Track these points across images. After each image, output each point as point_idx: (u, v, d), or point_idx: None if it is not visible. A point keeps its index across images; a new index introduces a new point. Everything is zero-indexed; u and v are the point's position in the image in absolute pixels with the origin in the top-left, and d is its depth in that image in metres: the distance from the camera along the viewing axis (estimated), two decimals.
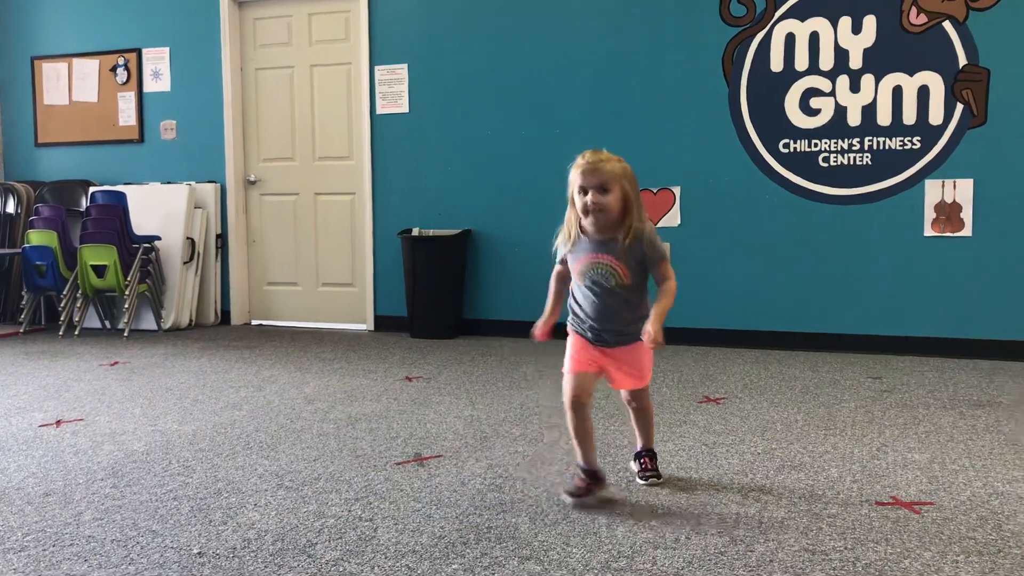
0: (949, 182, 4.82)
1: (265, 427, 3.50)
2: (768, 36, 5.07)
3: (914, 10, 4.81)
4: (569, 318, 2.73)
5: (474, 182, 5.69)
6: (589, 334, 2.66)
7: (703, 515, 2.50)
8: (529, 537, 2.35)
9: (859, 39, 4.92)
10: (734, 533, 2.37)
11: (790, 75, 5.06)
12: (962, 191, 4.80)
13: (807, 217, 5.08)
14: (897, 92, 4.88)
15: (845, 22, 4.92)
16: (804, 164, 5.07)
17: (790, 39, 5.04)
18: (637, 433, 2.87)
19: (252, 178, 6.28)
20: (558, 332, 2.77)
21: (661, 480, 2.79)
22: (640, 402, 2.81)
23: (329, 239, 6.11)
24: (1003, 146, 4.71)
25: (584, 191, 2.55)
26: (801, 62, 5.03)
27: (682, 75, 5.25)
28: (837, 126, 4.99)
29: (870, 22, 4.88)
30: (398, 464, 3.00)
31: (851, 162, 4.99)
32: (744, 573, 2.12)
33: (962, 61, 4.76)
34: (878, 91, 4.90)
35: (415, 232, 5.71)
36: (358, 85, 5.91)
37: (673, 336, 5.41)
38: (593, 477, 2.62)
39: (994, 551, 2.23)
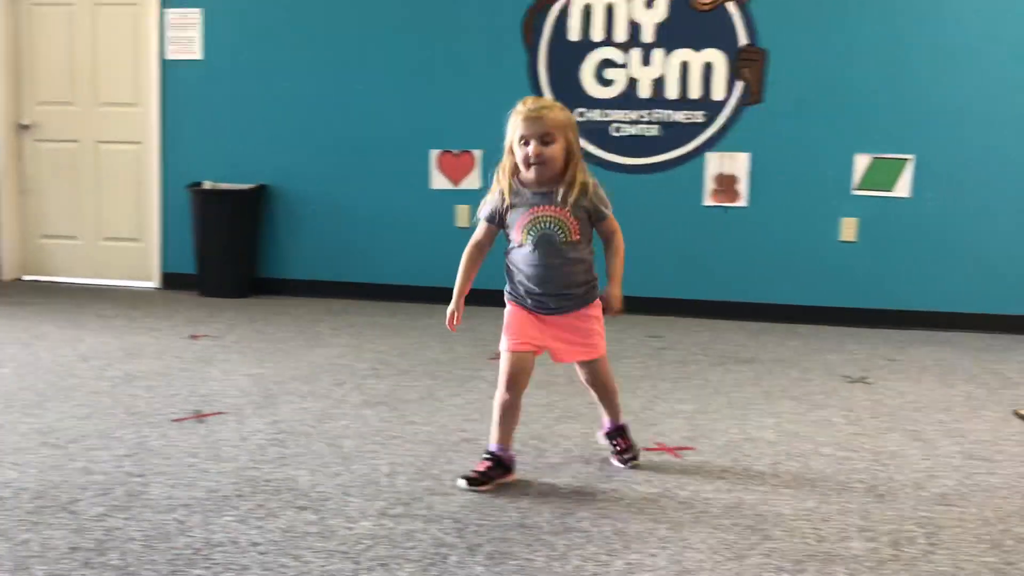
0: (728, 155, 5.14)
1: (31, 384, 3.28)
2: (567, 6, 5.19)
3: None
4: (506, 287, 2.51)
5: (270, 135, 5.52)
6: (529, 301, 2.45)
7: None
8: (307, 488, 2.35)
9: (652, 13, 5.12)
10: (510, 481, 2.45)
11: (586, 45, 5.21)
12: (739, 164, 5.14)
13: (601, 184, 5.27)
14: (684, 67, 5.13)
15: None
16: (597, 133, 5.25)
17: (587, 10, 5.18)
18: (602, 409, 2.65)
19: (25, 122, 5.80)
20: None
21: (639, 460, 2.59)
22: (596, 376, 2.56)
23: (112, 190, 5.75)
24: (777, 123, 5.07)
25: (525, 141, 2.35)
26: (597, 33, 5.19)
27: (483, 38, 5.30)
28: (629, 98, 5.20)
29: None
30: (175, 421, 2.90)
31: (641, 133, 5.21)
32: (515, 513, 2.21)
33: (743, 41, 5.06)
34: (667, 65, 5.14)
35: (206, 186, 5.48)
36: (146, 28, 5.57)
37: (472, 298, 5.50)
38: (501, 465, 2.42)
39: (740, 488, 2.44)
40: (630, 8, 5.14)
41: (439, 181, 5.42)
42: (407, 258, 5.47)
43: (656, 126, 5.20)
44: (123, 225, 5.77)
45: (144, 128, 5.65)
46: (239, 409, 3.06)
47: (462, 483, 2.39)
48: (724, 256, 5.18)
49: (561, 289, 2.43)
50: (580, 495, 2.36)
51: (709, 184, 5.17)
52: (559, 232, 2.39)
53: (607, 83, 5.21)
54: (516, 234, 2.43)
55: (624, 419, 2.66)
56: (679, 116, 5.17)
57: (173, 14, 5.52)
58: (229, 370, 3.61)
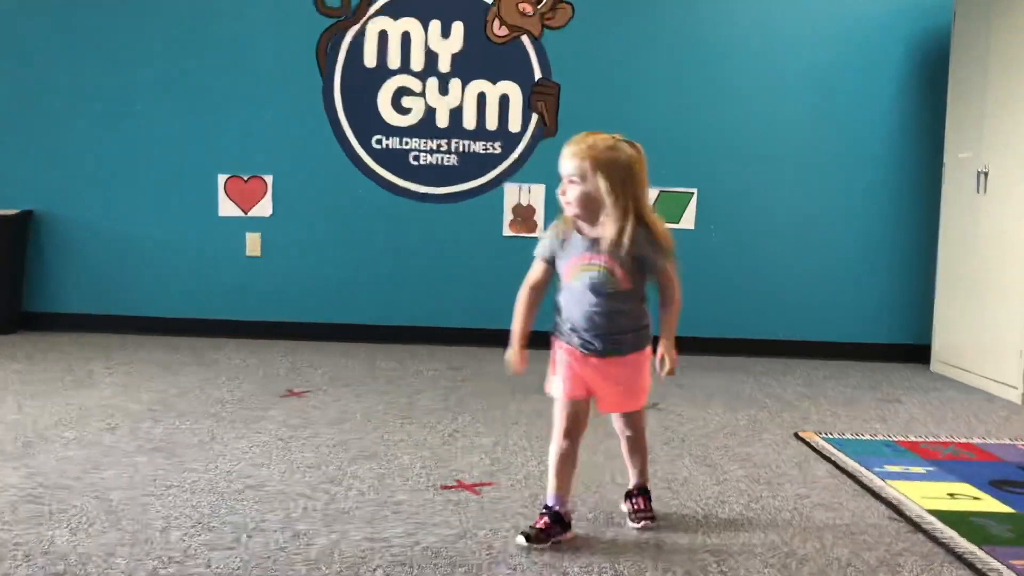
0: (525, 186, 5.19)
1: None
2: (362, 31, 5.10)
3: (497, 22, 5.11)
4: (554, 323, 2.37)
5: (37, 157, 5.06)
6: (576, 340, 2.31)
7: (268, 512, 2.40)
8: (66, 550, 2.09)
9: (448, 43, 5.12)
10: (296, 528, 2.30)
11: (383, 72, 5.13)
12: (536, 195, 5.20)
13: (398, 213, 5.18)
14: (481, 98, 5.16)
15: (435, 25, 5.10)
16: (396, 161, 5.17)
17: (383, 36, 5.11)
18: (629, 467, 2.50)
19: None
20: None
21: (655, 523, 2.41)
22: (634, 428, 2.44)
23: None
24: None
25: (560, 178, 2.26)
26: (393, 60, 5.12)
27: (274, 62, 5.10)
28: (427, 126, 5.16)
29: (458, 28, 5.11)
30: None
31: (439, 162, 5.18)
32: (302, 567, 2.06)
33: (537, 75, 5.15)
34: (464, 96, 5.15)
35: None
36: None
37: (266, 330, 5.27)
38: (560, 521, 2.26)
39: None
40: (427, 37, 5.11)
41: (228, 208, 5.15)
42: (193, 289, 5.15)
43: (454, 155, 5.18)
44: None
45: None
46: None
47: (521, 540, 2.22)
48: (519, 284, 5.19)
49: (610, 333, 2.29)
50: (373, 541, 2.23)
51: (508, 214, 5.20)
52: (607, 283, 2.26)
53: (405, 111, 5.15)
54: (564, 276, 2.32)
55: (649, 486, 2.51)
56: (477, 147, 5.18)
57: None
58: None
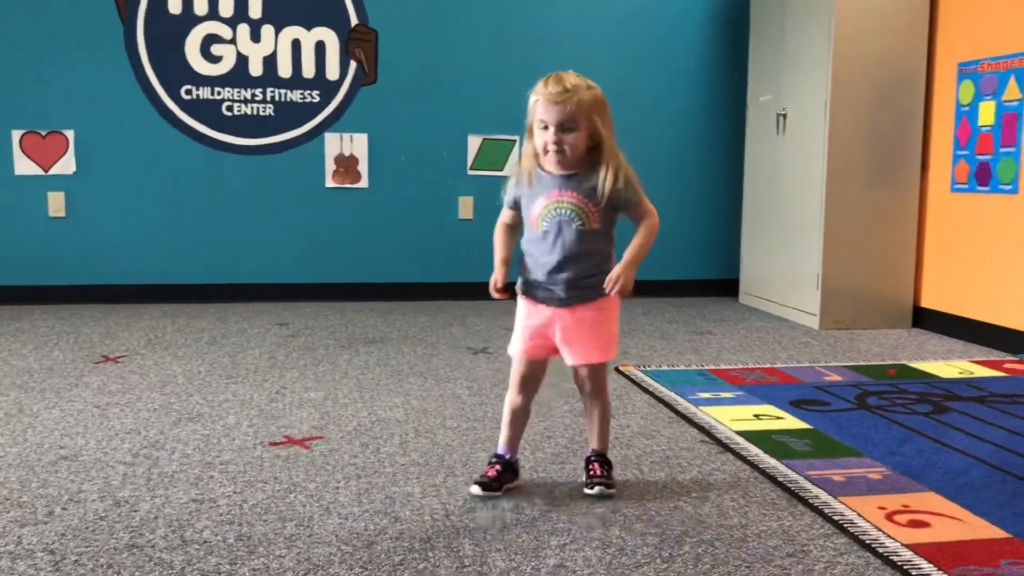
0: (347, 136, 5.10)
1: None
2: None
3: None
4: (519, 279, 2.27)
5: None
6: (539, 292, 2.23)
7: (85, 482, 2.30)
8: None
9: None
10: (118, 495, 2.21)
11: (189, 19, 4.88)
12: (359, 145, 5.12)
13: (214, 167, 4.99)
14: (296, 45, 5.00)
15: None
16: (208, 112, 4.96)
17: None
18: (589, 430, 2.37)
19: None
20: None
21: (613, 491, 2.26)
22: (596, 383, 2.29)
23: None
24: (392, 104, 5.12)
25: (544, 126, 2.13)
26: (200, 6, 4.88)
27: (69, 8, 4.75)
28: (239, 75, 4.96)
29: None
30: None
31: (255, 112, 5.00)
32: (124, 535, 1.99)
33: (354, 21, 5.04)
34: (278, 43, 4.98)
35: None
36: None
37: (76, 295, 4.96)
38: (510, 469, 2.29)
39: (371, 472, 2.41)
40: None
41: (25, 166, 4.80)
42: None
43: (271, 105, 5.02)
44: None
45: None
46: None
47: (476, 489, 2.24)
48: (349, 238, 5.15)
49: (573, 275, 2.20)
50: (199, 502, 2.18)
51: (330, 165, 5.10)
52: (576, 219, 2.18)
53: (215, 60, 4.93)
54: (530, 221, 2.23)
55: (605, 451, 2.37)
56: (294, 95, 5.03)
57: None
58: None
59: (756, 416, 2.93)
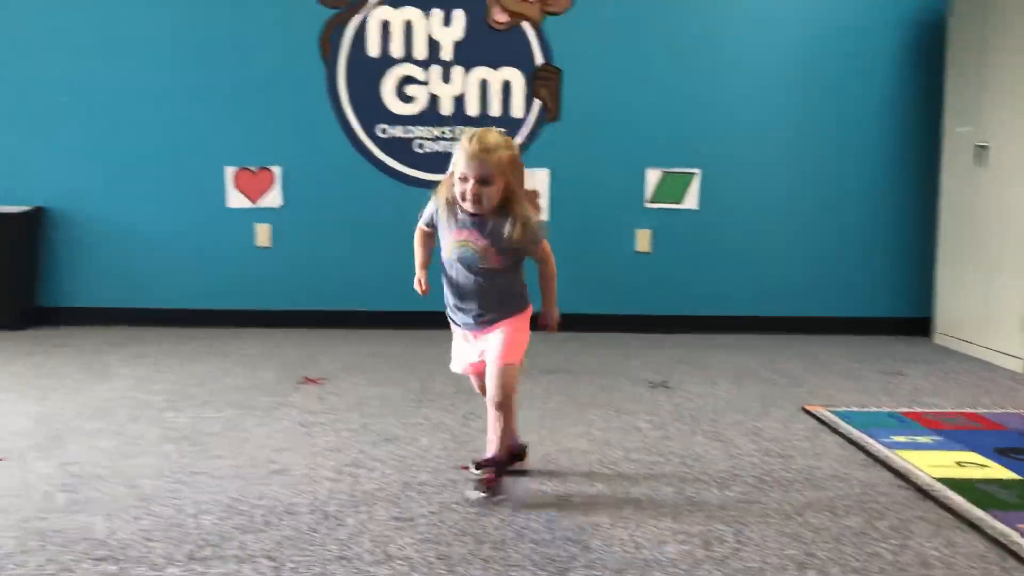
0: (528, 171, 5.23)
1: None
2: (365, 21, 5.14)
3: (498, 8, 5.15)
4: (446, 306, 2.59)
5: (48, 154, 5.11)
6: (457, 317, 2.55)
7: (297, 495, 2.48)
8: (104, 536, 2.17)
9: (450, 31, 5.16)
10: (326, 510, 2.37)
11: (386, 61, 5.17)
12: (540, 179, 5.26)
13: (404, 201, 5.22)
14: (484, 85, 5.20)
15: (437, 14, 5.14)
16: (400, 149, 5.22)
17: (386, 26, 5.15)
18: (491, 433, 2.52)
19: None
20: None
21: (492, 499, 2.44)
22: (503, 388, 2.44)
23: None
24: (573, 140, 5.23)
25: (464, 178, 2.38)
26: (396, 49, 5.17)
27: (279, 53, 5.14)
28: (430, 114, 5.21)
29: (460, 16, 5.15)
30: None
31: (444, 149, 5.23)
32: (334, 547, 2.13)
33: (539, 60, 5.19)
34: (467, 83, 5.19)
35: None
36: None
37: (279, 319, 5.34)
38: (502, 463, 2.53)
39: (559, 501, 2.47)
40: (428, 25, 5.15)
41: (236, 199, 5.20)
42: (203, 281, 5.21)
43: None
44: None
45: None
46: (21, 453, 2.79)
47: (475, 495, 2.45)
48: (526, 269, 5.26)
49: (483, 307, 2.49)
50: (400, 520, 2.31)
51: None
52: (479, 260, 2.45)
53: (408, 99, 5.19)
54: (444, 250, 2.52)
55: (499, 460, 2.52)
56: None
57: None
58: (6, 411, 3.28)
59: (958, 463, 2.80)
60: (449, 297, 2.54)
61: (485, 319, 2.50)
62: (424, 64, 5.18)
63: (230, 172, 5.19)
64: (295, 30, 5.13)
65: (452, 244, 2.48)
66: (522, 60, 5.19)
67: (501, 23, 5.17)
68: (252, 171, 5.20)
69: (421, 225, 2.64)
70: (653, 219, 5.27)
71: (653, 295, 5.30)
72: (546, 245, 2.53)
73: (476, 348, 2.55)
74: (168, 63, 5.11)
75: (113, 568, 2.00)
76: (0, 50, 5.07)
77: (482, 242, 2.44)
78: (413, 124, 5.21)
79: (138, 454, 2.81)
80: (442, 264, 2.54)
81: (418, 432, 3.12)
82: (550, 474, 2.69)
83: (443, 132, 5.23)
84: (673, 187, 5.26)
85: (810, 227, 5.28)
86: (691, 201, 5.26)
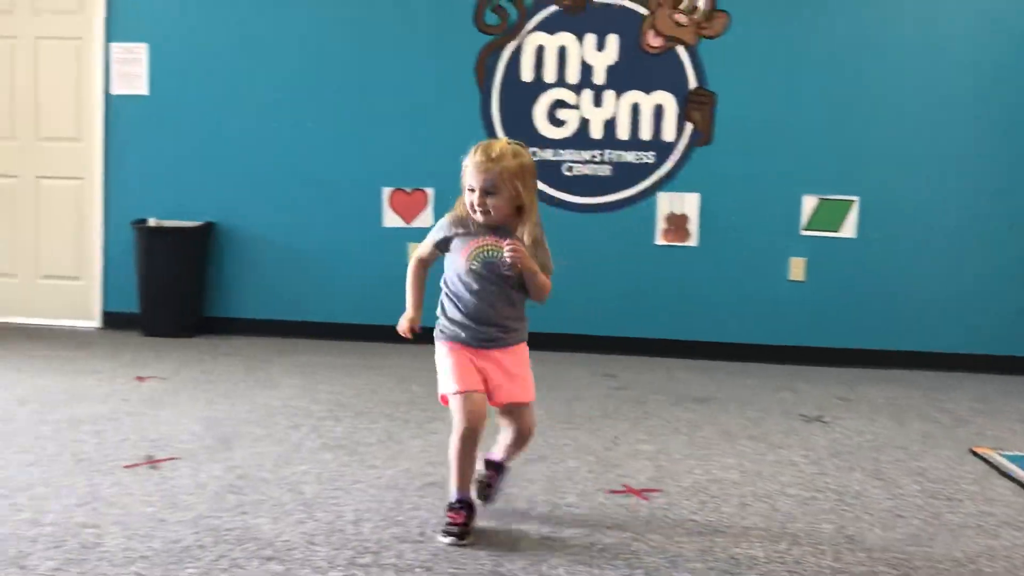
0: (678, 195, 5.20)
1: None
2: (519, 47, 5.23)
3: (652, 33, 5.15)
4: (438, 324, 2.47)
5: (217, 172, 5.42)
6: (464, 334, 2.40)
7: (441, 508, 2.52)
8: (271, 537, 2.27)
9: (603, 56, 5.19)
10: (477, 524, 2.40)
11: (539, 86, 5.25)
12: (690, 204, 5.20)
13: (552, 223, 5.25)
14: (635, 109, 5.20)
15: (591, 39, 5.18)
16: (550, 173, 5.28)
17: (540, 51, 5.23)
18: (502, 446, 2.55)
19: None
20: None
21: (491, 502, 2.52)
22: (522, 422, 2.46)
23: (52, 227, 5.57)
24: (725, 164, 5.15)
25: (472, 189, 2.35)
26: (549, 74, 5.24)
27: (436, 78, 5.30)
28: (581, 138, 5.24)
29: (613, 41, 5.17)
30: (127, 467, 2.79)
31: (593, 172, 5.25)
32: (488, 562, 2.16)
33: (692, 84, 5.15)
34: (618, 107, 5.20)
35: (151, 223, 5.35)
36: (90, 62, 5.45)
37: (427, 336, 5.44)
38: (470, 509, 2.38)
39: (712, 531, 2.42)
40: (582, 50, 5.20)
41: (391, 219, 5.38)
42: (359, 296, 5.40)
43: (608, 166, 5.24)
44: (62, 263, 5.60)
45: (86, 163, 5.50)
46: (193, 454, 2.96)
47: (447, 540, 2.29)
48: (676, 295, 5.22)
49: (497, 320, 2.40)
50: (551, 540, 2.32)
51: (660, 223, 5.22)
52: (503, 265, 2.35)
53: (559, 123, 5.25)
54: (461, 260, 2.39)
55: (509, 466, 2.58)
56: (630, 156, 5.22)
57: (118, 49, 5.41)
58: (179, 413, 3.49)
59: None
60: (455, 313, 2.41)
61: (498, 335, 2.41)
62: (576, 88, 5.22)
63: (386, 193, 5.37)
64: (452, 57, 5.27)
65: (471, 253, 2.37)
66: (675, 84, 5.16)
67: (655, 47, 5.16)
68: (407, 192, 5.37)
69: (422, 253, 2.51)
70: (808, 247, 5.12)
71: (806, 326, 5.14)
72: (550, 263, 2.47)
73: (485, 370, 2.40)
74: (331, 89, 5.34)
75: (279, 568, 2.09)
76: (182, 79, 5.43)
77: (507, 241, 2.33)
78: (563, 148, 5.26)
79: (299, 461, 2.94)
80: (446, 285, 2.44)
81: (564, 454, 3.13)
82: (701, 504, 2.65)
83: (592, 156, 5.25)
84: (830, 214, 5.10)
85: (979, 259, 5.01)
86: (849, 229, 5.09)
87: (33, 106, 5.57)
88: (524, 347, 2.47)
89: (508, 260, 2.31)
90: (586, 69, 5.20)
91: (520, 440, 2.51)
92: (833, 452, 3.25)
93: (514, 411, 2.45)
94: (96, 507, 2.43)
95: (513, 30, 5.23)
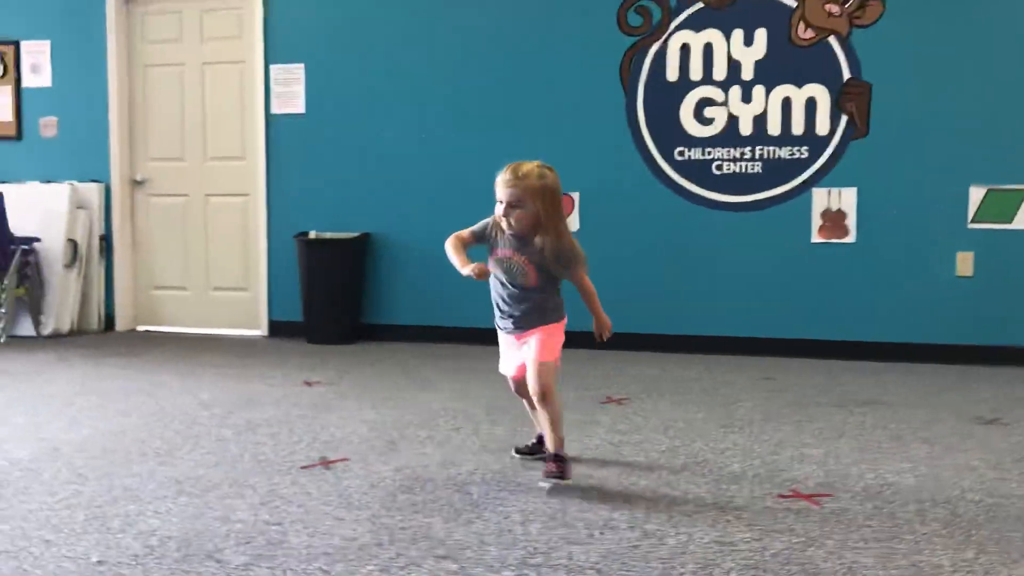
0: (835, 190, 5.03)
1: (160, 433, 3.36)
2: (664, 46, 5.19)
3: (802, 25, 5.01)
4: (494, 314, 2.90)
5: (373, 185, 5.62)
6: (504, 323, 2.86)
7: (615, 510, 2.53)
8: (443, 536, 2.33)
9: (751, 51, 5.08)
10: (645, 527, 2.40)
11: (685, 85, 5.19)
12: (847, 199, 5.02)
13: (701, 223, 5.21)
14: (786, 103, 5.07)
15: (738, 34, 5.09)
16: (698, 171, 5.21)
17: (685, 50, 5.17)
18: (540, 426, 2.94)
19: (139, 178, 6.04)
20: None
21: (563, 482, 2.71)
22: (540, 385, 2.74)
23: (220, 242, 5.93)
24: (883, 156, 4.95)
25: (500, 201, 2.73)
26: (695, 72, 5.17)
27: (580, 82, 5.32)
28: (730, 135, 5.15)
29: (761, 35, 5.06)
30: (303, 468, 2.93)
31: (743, 170, 5.15)
32: (657, 565, 2.15)
33: (846, 75, 4.98)
34: (768, 102, 5.08)
35: (311, 235, 5.60)
36: (252, 84, 5.76)
37: (574, 340, 5.46)
38: (564, 457, 2.78)
39: (890, 537, 2.33)
40: (729, 46, 5.11)
41: None
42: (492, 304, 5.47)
43: (759, 163, 5.13)
44: (231, 275, 5.93)
45: (251, 180, 5.82)
46: (363, 455, 3.07)
47: (547, 484, 2.71)
48: (835, 294, 5.05)
49: (516, 314, 2.81)
50: (721, 544, 2.28)
51: (816, 220, 5.06)
52: (520, 276, 2.77)
53: (707, 122, 5.17)
54: (491, 264, 2.82)
55: (558, 449, 2.78)
56: (782, 152, 5.09)
57: (277, 70, 5.70)
58: (347, 416, 3.64)
59: None
60: (497, 305, 2.85)
61: (523, 326, 2.80)
62: (723, 85, 5.14)
63: None
64: (596, 58, 5.28)
65: (499, 260, 2.80)
66: (828, 76, 5.00)
67: (806, 39, 5.02)
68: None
69: (460, 233, 2.87)
70: (976, 240, 4.86)
71: (975, 323, 4.88)
72: (583, 275, 2.83)
73: (520, 354, 2.85)
74: (477, 97, 5.45)
75: (453, 567, 2.14)
76: (336, 97, 5.65)
77: (521, 258, 2.75)
78: (712, 146, 5.18)
79: (463, 462, 3.00)
80: (491, 280, 2.83)
81: (727, 457, 3.08)
82: (876, 509, 2.55)
83: (743, 153, 5.15)
84: (1000, 205, 4.82)
85: None
86: (1022, 220, 4.80)
87: (201, 128, 5.93)
88: (545, 327, 2.81)
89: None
90: (733, 65, 5.12)
91: (537, 400, 2.81)
92: (1016, 457, 3.07)
93: (529, 377, 2.81)
94: (278, 505, 2.56)
95: (657, 30, 5.19)
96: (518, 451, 3.03)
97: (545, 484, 2.72)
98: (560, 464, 2.74)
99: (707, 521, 2.45)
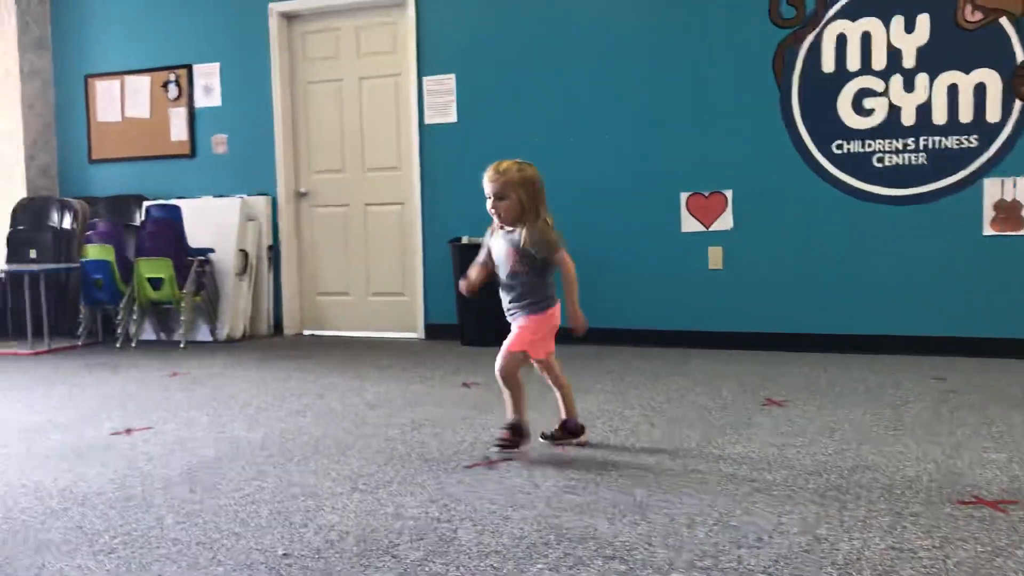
0: (1009, 180, 4.76)
1: (332, 432, 3.52)
2: (819, 37, 5.04)
3: (969, 7, 4.75)
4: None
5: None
6: (507, 315, 3.17)
7: (783, 515, 2.48)
8: (610, 537, 2.35)
9: (912, 38, 4.87)
10: (816, 532, 2.34)
11: (842, 76, 5.02)
12: (1022, 189, 4.74)
13: (862, 218, 5.03)
14: (952, 90, 4.83)
15: (898, 21, 4.88)
16: (858, 165, 5.03)
17: (841, 39, 5.00)
18: (560, 405, 3.30)
19: (303, 190, 6.35)
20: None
21: (576, 441, 3.23)
22: (548, 368, 3.24)
23: (379, 249, 6.16)
24: None
25: (487, 195, 3.08)
26: (853, 62, 5.00)
27: (731, 78, 5.23)
28: (891, 126, 4.95)
29: (923, 20, 4.84)
30: (468, 467, 3.01)
31: (906, 162, 4.94)
32: (832, 571, 2.10)
33: (1020, 58, 4.70)
34: (933, 90, 4.86)
35: (464, 240, 5.73)
36: (406, 96, 5.96)
37: (729, 341, 5.39)
38: (518, 431, 3.13)
39: None
40: (888, 34, 4.91)
41: (690, 224, 5.38)
42: (658, 302, 5.45)
43: (923, 153, 4.90)
44: (389, 281, 6.15)
45: (406, 189, 6.01)
46: (524, 455, 3.13)
47: (495, 451, 3.13)
48: (1012, 289, 4.77)
49: (515, 300, 3.12)
50: (899, 551, 2.20)
51: (988, 212, 4.80)
52: (506, 264, 3.09)
53: (866, 113, 4.99)
54: (495, 262, 3.16)
55: (517, 420, 3.16)
56: (949, 142, 4.85)
57: (430, 81, 5.87)
58: (505, 417, 3.70)
59: None
60: (503, 299, 3.16)
61: (514, 313, 3.13)
62: (883, 75, 4.94)
63: (684, 197, 5.37)
64: (747, 53, 5.19)
65: (496, 254, 3.13)
66: (999, 59, 4.73)
67: (974, 22, 4.76)
68: (704, 196, 5.34)
69: (477, 260, 3.21)
70: None
71: None
72: (564, 255, 3.07)
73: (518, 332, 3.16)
74: (627, 100, 5.45)
75: (622, 567, 2.16)
76: (486, 105, 5.77)
77: (508, 248, 3.06)
78: (872, 138, 4.99)
79: (623, 464, 3.01)
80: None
81: (899, 461, 2.96)
82: None
83: (905, 144, 4.93)
84: None
85: None
86: None
87: (359, 141, 6.18)
88: (540, 315, 3.11)
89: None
90: (893, 53, 4.92)
91: (553, 383, 3.29)
92: None
93: (539, 362, 3.24)
94: (447, 503, 2.64)
95: (811, 20, 5.05)
96: (544, 437, 3.28)
97: (494, 450, 3.13)
98: (513, 436, 3.12)
99: (882, 527, 2.37)
